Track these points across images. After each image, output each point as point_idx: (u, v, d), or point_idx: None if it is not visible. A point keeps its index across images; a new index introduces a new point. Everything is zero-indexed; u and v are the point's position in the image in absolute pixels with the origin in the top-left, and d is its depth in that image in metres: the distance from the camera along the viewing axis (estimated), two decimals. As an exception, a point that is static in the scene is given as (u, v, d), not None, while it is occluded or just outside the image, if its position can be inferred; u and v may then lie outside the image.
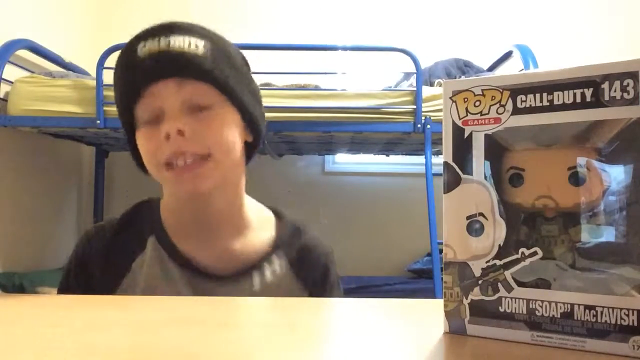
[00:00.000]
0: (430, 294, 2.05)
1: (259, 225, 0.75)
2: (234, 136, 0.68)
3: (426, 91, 2.01)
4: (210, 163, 0.65)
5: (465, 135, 0.41)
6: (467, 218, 0.41)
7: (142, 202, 0.76)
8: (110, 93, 1.93)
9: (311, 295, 0.73)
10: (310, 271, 0.74)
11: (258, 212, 0.76)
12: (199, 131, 0.64)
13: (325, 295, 0.75)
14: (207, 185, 0.66)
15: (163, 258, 0.68)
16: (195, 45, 0.65)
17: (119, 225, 0.73)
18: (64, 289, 0.72)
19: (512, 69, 2.34)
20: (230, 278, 0.69)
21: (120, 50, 0.68)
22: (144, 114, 0.66)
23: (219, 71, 0.66)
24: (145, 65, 0.64)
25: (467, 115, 0.42)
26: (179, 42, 0.64)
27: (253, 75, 0.75)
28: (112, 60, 2.01)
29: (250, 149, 0.73)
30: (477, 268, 0.41)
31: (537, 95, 0.39)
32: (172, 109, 0.64)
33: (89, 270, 0.70)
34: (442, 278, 0.68)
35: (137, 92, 0.65)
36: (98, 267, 0.69)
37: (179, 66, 0.64)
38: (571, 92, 0.38)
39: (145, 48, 0.64)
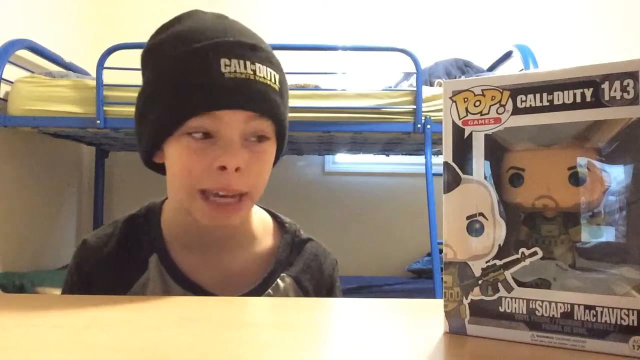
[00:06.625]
0: (430, 294, 2.05)
1: (261, 236, 0.74)
2: (270, 170, 0.67)
3: (426, 91, 2.01)
4: (246, 199, 0.64)
5: (465, 135, 0.41)
6: (467, 218, 0.41)
7: (138, 215, 0.73)
8: (110, 93, 1.92)
9: None
10: (316, 284, 0.73)
11: (260, 221, 0.75)
12: (251, 169, 0.62)
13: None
14: (237, 220, 0.65)
15: (165, 278, 0.67)
16: (273, 78, 0.63)
17: (118, 243, 0.70)
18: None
19: (512, 69, 2.34)
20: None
21: (178, 44, 0.62)
22: (191, 127, 0.60)
23: (284, 108, 0.65)
24: (228, 90, 0.59)
25: (467, 115, 0.42)
26: (263, 72, 0.61)
27: None
28: (112, 60, 2.01)
29: None
30: (477, 268, 0.41)
31: (537, 95, 0.39)
32: (231, 139, 0.61)
33: (91, 280, 0.69)
34: (442, 278, 0.68)
35: (205, 110, 0.60)
36: (99, 281, 0.68)
37: (260, 102, 0.61)
38: (571, 92, 0.38)
39: (231, 67, 0.59)
